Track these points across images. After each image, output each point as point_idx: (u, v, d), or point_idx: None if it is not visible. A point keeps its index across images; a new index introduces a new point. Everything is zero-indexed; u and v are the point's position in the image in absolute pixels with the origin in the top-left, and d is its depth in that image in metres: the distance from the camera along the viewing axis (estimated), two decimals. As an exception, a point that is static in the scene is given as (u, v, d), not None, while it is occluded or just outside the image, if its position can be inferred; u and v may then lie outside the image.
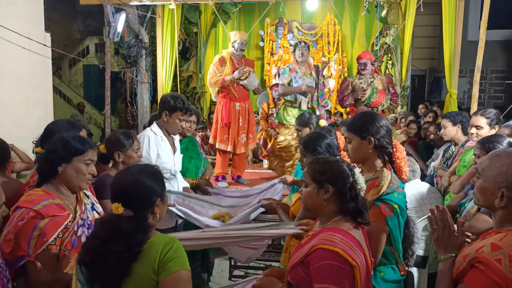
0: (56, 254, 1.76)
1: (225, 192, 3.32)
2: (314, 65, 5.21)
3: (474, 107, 4.91)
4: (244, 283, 1.90)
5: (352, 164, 1.66)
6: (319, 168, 1.60)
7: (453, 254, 1.47)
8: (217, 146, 4.93)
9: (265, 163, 6.32)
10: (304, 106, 4.87)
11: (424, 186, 3.22)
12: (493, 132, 2.85)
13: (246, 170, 5.42)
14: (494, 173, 1.42)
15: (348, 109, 5.33)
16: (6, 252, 1.72)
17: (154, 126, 2.97)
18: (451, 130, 3.38)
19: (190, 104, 3.18)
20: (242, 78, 4.69)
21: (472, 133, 2.94)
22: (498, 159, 1.43)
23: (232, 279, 3.91)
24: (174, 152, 3.03)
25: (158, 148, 2.89)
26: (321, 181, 1.57)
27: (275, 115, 6.11)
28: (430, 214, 1.58)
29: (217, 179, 4.93)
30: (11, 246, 1.71)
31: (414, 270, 3.04)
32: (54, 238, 1.75)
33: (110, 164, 2.61)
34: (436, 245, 1.54)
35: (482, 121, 2.87)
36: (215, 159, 5.19)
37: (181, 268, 1.45)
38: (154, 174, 1.58)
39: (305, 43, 5.04)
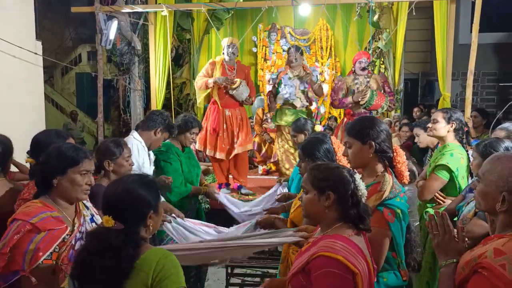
0: (51, 268, 1.70)
1: (232, 201, 3.38)
2: (312, 66, 5.20)
3: (467, 110, 4.93)
4: None
5: (352, 170, 1.64)
6: (319, 175, 1.58)
7: (455, 260, 1.44)
8: (207, 153, 4.91)
9: (260, 169, 6.30)
10: (298, 104, 4.84)
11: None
12: (449, 127, 2.84)
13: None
14: (495, 177, 1.40)
15: (341, 111, 5.31)
16: (0, 266, 1.66)
17: (136, 134, 2.99)
18: (425, 137, 3.50)
19: (192, 115, 3.36)
20: (233, 86, 4.65)
21: (429, 127, 2.97)
22: (499, 163, 1.41)
23: (229, 287, 3.87)
24: (150, 164, 3.07)
25: (140, 158, 2.92)
26: (322, 188, 1.55)
27: (269, 120, 6.10)
28: (428, 220, 1.56)
29: (220, 187, 4.90)
30: (5, 260, 1.66)
31: (413, 275, 3.03)
32: (50, 252, 1.70)
33: (102, 174, 2.57)
34: (436, 251, 1.52)
35: (439, 115, 2.88)
36: (210, 165, 5.16)
37: (176, 287, 1.41)
38: (148, 185, 1.53)
39: (297, 47, 5.03)
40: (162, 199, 2.95)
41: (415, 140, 3.77)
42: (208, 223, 2.99)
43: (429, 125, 2.96)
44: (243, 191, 4.93)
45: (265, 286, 1.76)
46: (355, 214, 1.53)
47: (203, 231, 2.70)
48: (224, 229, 2.80)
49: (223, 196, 3.41)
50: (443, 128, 2.85)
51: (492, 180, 1.40)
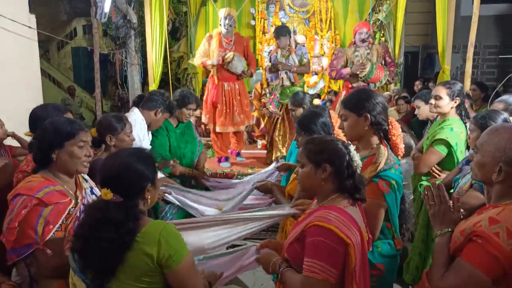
0: (62, 239, 1.75)
1: (220, 185, 3.34)
2: (299, 44, 5.15)
3: (467, 83, 4.91)
4: (243, 251, 1.92)
5: (346, 142, 1.65)
6: (315, 148, 1.60)
7: (450, 229, 1.48)
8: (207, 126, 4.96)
9: (259, 143, 6.31)
10: (287, 83, 4.88)
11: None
12: (452, 104, 2.82)
13: (241, 151, 5.43)
14: (493, 148, 1.41)
15: (340, 85, 5.29)
16: (10, 240, 1.70)
17: (137, 111, 3.01)
18: (425, 109, 3.42)
19: (189, 90, 3.38)
20: (227, 61, 4.61)
21: (431, 103, 2.92)
22: (497, 134, 1.43)
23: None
24: (149, 142, 3.09)
25: (142, 134, 2.96)
26: (318, 161, 1.57)
27: (267, 95, 6.08)
28: (424, 192, 1.58)
29: (219, 161, 4.94)
30: (15, 234, 1.69)
31: (409, 245, 3.09)
32: (60, 224, 1.74)
33: (102, 148, 2.58)
34: (432, 221, 1.55)
35: (442, 91, 2.83)
36: (208, 140, 5.20)
37: (183, 257, 1.46)
38: (145, 158, 1.54)
39: (281, 28, 4.93)
40: (163, 176, 3.03)
41: (415, 112, 3.71)
42: (210, 191, 3.10)
43: (432, 101, 2.91)
44: (239, 159, 5.18)
45: (262, 245, 1.80)
46: (351, 185, 1.56)
47: (203, 205, 2.74)
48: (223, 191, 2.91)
49: (214, 181, 3.39)
50: (447, 105, 2.82)
51: (489, 150, 1.42)
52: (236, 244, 3.85)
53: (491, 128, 1.51)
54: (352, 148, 1.60)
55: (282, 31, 4.79)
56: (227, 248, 2.12)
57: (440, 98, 2.83)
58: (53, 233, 1.71)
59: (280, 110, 4.96)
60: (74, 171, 1.87)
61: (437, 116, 3.14)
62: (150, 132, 3.14)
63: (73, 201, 1.82)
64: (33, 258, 1.73)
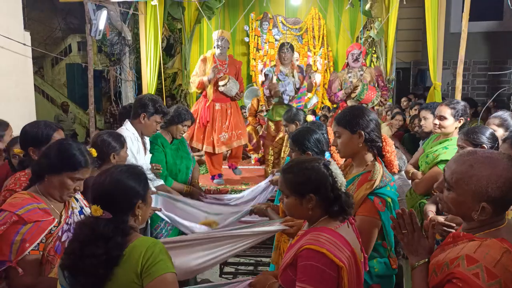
0: (38, 259, 1.72)
1: (216, 201, 3.32)
2: (298, 66, 5.22)
3: (458, 98, 4.97)
4: (234, 284, 1.89)
5: (327, 160, 1.60)
6: (297, 179, 1.54)
7: (426, 260, 1.42)
8: (193, 145, 4.90)
9: (252, 158, 6.31)
10: (286, 100, 4.91)
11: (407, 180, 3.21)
12: (457, 124, 2.78)
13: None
14: (472, 187, 1.29)
15: (335, 105, 5.35)
16: None
17: (128, 125, 2.99)
18: (431, 122, 3.24)
19: (185, 107, 3.41)
20: (221, 83, 4.65)
21: (435, 124, 2.85)
22: (472, 171, 1.30)
23: (223, 276, 3.91)
24: (145, 153, 3.05)
25: (134, 148, 2.92)
26: (303, 192, 1.53)
27: (264, 112, 6.11)
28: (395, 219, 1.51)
29: (213, 178, 4.91)
30: None
31: (403, 262, 3.07)
32: (37, 243, 1.71)
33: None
34: (406, 251, 1.48)
35: (446, 111, 2.77)
36: (201, 155, 5.18)
37: (165, 272, 1.42)
38: (136, 175, 1.54)
39: (290, 44, 5.05)
40: (161, 182, 3.01)
41: (421, 123, 3.59)
42: (201, 202, 3.09)
43: (436, 121, 2.84)
44: (237, 172, 5.13)
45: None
46: (338, 209, 1.52)
47: (193, 221, 2.73)
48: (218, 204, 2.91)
49: (210, 198, 3.36)
50: (451, 125, 2.77)
51: (468, 190, 1.31)
52: (229, 272, 3.76)
53: (463, 161, 1.34)
54: (334, 166, 1.55)
55: (286, 46, 4.91)
56: (220, 276, 2.09)
57: (445, 118, 2.77)
58: (28, 252, 1.68)
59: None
60: (58, 197, 1.85)
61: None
62: (147, 141, 3.11)
63: (56, 220, 1.80)
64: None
